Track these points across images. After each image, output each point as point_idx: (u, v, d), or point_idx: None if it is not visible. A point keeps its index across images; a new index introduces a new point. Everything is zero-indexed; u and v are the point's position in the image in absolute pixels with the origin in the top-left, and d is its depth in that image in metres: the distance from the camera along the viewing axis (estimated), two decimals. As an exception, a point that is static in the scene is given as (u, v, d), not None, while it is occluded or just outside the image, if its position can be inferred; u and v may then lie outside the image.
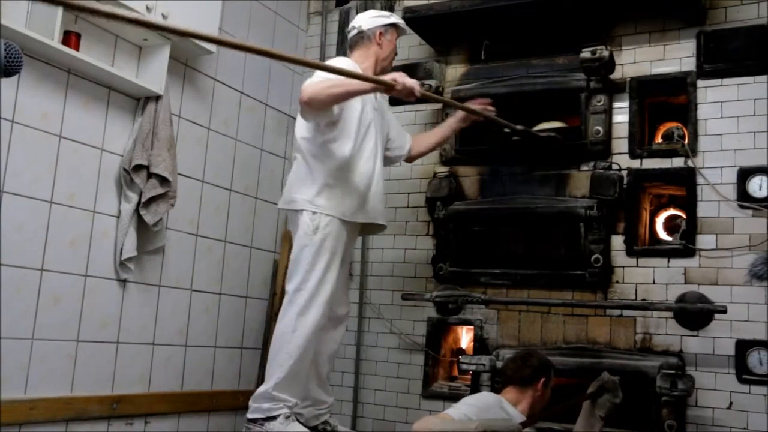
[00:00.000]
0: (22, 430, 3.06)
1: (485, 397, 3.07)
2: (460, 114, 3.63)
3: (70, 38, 3.24)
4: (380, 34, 3.41)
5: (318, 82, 3.03)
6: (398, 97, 3.08)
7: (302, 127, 3.24)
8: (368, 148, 3.26)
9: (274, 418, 3.03)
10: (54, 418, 3.19)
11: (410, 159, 3.73)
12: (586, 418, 3.12)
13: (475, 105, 3.59)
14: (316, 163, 3.18)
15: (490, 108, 3.61)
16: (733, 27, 3.53)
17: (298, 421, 3.12)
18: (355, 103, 3.21)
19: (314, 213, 3.13)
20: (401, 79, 2.99)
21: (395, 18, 3.51)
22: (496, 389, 3.32)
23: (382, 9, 4.35)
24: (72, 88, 3.33)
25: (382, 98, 3.51)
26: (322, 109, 3.04)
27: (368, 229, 3.40)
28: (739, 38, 3.49)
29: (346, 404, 4.08)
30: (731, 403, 3.26)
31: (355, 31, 3.44)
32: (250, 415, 3.10)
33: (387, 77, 3.04)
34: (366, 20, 3.44)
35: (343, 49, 4.53)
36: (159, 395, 3.69)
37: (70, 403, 3.26)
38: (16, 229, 3.09)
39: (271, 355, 3.13)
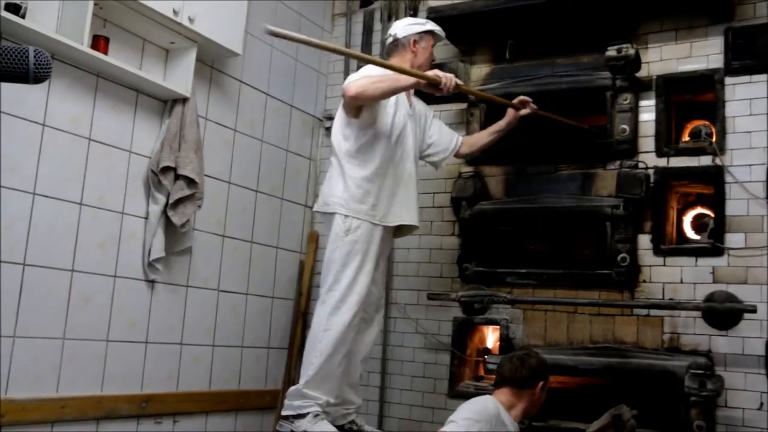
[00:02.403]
0: (54, 429, 3.12)
1: (485, 405, 2.90)
2: (511, 112, 3.64)
3: (99, 42, 3.28)
4: (414, 41, 3.43)
5: (362, 78, 3.12)
6: (441, 94, 3.21)
7: (338, 131, 3.30)
8: (400, 152, 3.30)
9: (303, 415, 3.07)
10: (85, 417, 3.24)
11: (460, 155, 3.76)
12: None
13: (516, 101, 3.61)
14: (350, 166, 3.23)
15: (532, 105, 3.62)
16: (761, 23, 3.48)
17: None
18: (388, 109, 3.26)
19: (346, 216, 3.18)
20: (442, 73, 3.11)
21: (431, 25, 3.52)
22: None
23: (406, 9, 4.37)
24: (101, 92, 3.38)
25: (420, 103, 3.52)
26: (368, 105, 3.14)
27: (401, 230, 3.43)
28: (767, 34, 3.44)
29: (372, 404, 4.09)
30: (762, 404, 3.22)
31: (390, 39, 3.48)
32: (283, 412, 3.16)
33: (429, 73, 3.15)
34: (401, 28, 3.47)
35: (367, 50, 4.55)
36: (187, 394, 3.73)
37: (100, 402, 3.31)
38: (46, 230, 3.14)
39: (305, 354, 3.20)
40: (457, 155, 3.72)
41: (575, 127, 3.73)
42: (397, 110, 3.30)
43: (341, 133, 3.28)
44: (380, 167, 3.22)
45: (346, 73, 4.32)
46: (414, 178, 3.37)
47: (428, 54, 3.47)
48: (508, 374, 3.00)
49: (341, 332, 3.10)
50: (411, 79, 3.13)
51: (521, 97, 3.61)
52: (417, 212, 3.41)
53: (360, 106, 3.17)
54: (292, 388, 3.17)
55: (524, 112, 3.60)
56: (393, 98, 3.27)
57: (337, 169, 3.28)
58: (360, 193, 3.20)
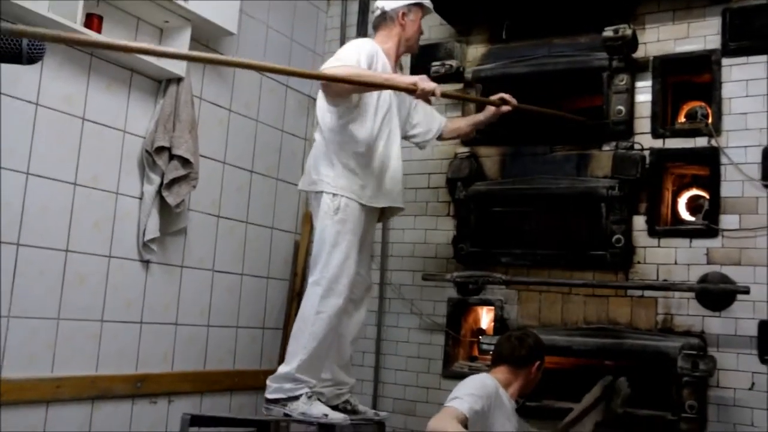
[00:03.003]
0: (48, 408, 3.13)
1: (484, 383, 2.89)
2: (491, 109, 3.59)
3: (92, 21, 3.26)
4: (403, 14, 3.38)
5: (339, 67, 3.04)
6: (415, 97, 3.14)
7: (324, 108, 3.23)
8: (387, 131, 3.25)
9: (296, 398, 3.04)
10: (80, 396, 3.25)
11: (442, 138, 3.71)
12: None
13: (496, 98, 3.54)
14: (337, 144, 3.18)
15: (513, 102, 3.55)
16: (759, 4, 3.46)
17: (319, 400, 3.13)
18: None
19: (334, 195, 3.14)
20: (422, 84, 3.02)
21: None
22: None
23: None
24: (94, 71, 3.36)
25: None
26: (341, 95, 3.08)
27: (387, 212, 3.41)
28: (765, 15, 3.42)
29: (366, 384, 4.11)
30: (753, 384, 3.24)
31: (378, 12, 3.41)
32: (270, 396, 3.10)
33: (407, 81, 3.07)
34: (389, 0, 3.41)
35: (363, 30, 4.51)
36: (182, 374, 3.74)
37: (95, 382, 3.32)
38: (40, 210, 3.13)
39: (294, 336, 3.14)
40: (439, 138, 3.67)
41: (562, 117, 3.73)
42: (382, 91, 3.22)
43: (327, 108, 3.20)
44: (367, 146, 3.17)
45: (342, 53, 4.29)
46: (400, 158, 3.33)
47: (417, 27, 3.42)
48: (506, 353, 3.02)
49: (333, 315, 3.07)
50: (385, 77, 3.07)
51: (501, 95, 3.54)
52: (402, 194, 3.37)
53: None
54: (281, 371, 3.10)
55: (505, 109, 3.54)
56: None
57: (323, 146, 3.23)
58: (347, 172, 3.16)
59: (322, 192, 3.17)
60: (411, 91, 3.05)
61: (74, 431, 3.23)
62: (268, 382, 3.13)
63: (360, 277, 3.29)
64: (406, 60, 4.29)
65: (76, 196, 3.28)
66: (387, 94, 3.26)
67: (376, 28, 3.45)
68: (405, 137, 3.53)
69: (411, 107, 3.52)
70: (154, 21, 3.60)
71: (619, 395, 3.13)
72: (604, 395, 3.15)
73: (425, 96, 3.07)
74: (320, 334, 3.06)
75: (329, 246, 3.10)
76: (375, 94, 3.21)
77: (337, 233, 3.11)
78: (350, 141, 3.16)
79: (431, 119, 3.60)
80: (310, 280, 3.16)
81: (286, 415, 3.03)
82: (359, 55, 3.13)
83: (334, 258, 3.09)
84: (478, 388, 2.82)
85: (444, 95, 3.26)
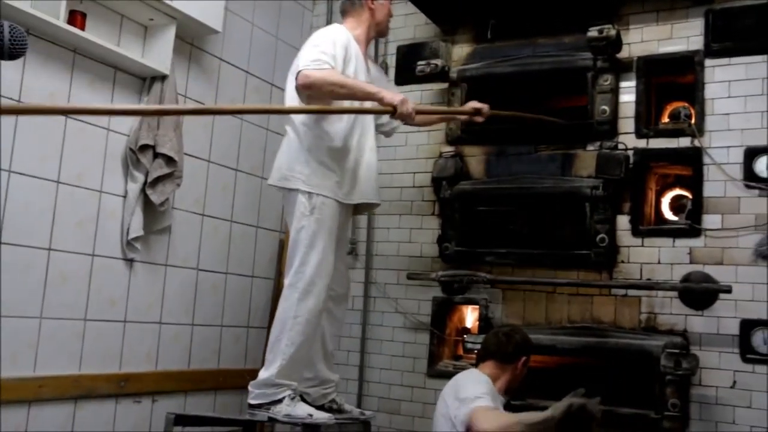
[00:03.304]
0: (31, 408, 3.10)
1: (485, 380, 2.93)
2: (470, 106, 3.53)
3: (76, 18, 3.23)
4: None
5: (323, 71, 2.97)
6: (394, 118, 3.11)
7: (295, 101, 3.11)
8: (360, 124, 3.18)
9: (279, 401, 2.97)
10: (62, 396, 3.23)
11: (410, 124, 3.63)
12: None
13: (472, 105, 3.45)
14: (309, 138, 3.08)
15: (485, 111, 3.44)
16: (742, 5, 3.49)
17: (304, 400, 3.12)
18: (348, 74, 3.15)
19: (310, 194, 3.05)
20: (401, 107, 2.98)
21: None
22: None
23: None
24: (78, 68, 3.33)
25: (377, 71, 3.46)
26: (319, 99, 3.03)
27: (362, 207, 3.34)
28: (748, 16, 3.45)
29: (351, 383, 4.11)
30: (735, 382, 3.27)
31: None
32: (253, 401, 3.03)
33: (389, 100, 3.00)
34: None
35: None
36: (166, 373, 3.72)
37: (78, 381, 3.30)
38: (23, 209, 3.10)
39: (273, 340, 3.05)
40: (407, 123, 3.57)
41: (543, 121, 3.73)
42: (356, 78, 3.14)
43: (297, 102, 3.09)
44: (342, 140, 3.09)
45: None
46: (375, 152, 3.26)
47: (386, 10, 3.34)
48: (494, 348, 3.05)
49: (311, 317, 3.01)
50: (367, 97, 3.03)
51: (473, 104, 3.42)
52: (378, 188, 3.31)
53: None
54: (261, 377, 3.02)
55: (477, 119, 3.43)
56: (352, 66, 3.13)
57: (295, 141, 3.11)
58: (323, 169, 3.07)
59: (296, 190, 3.07)
60: (389, 113, 3.03)
61: (57, 431, 3.20)
62: (249, 387, 3.07)
63: (339, 273, 3.24)
64: (392, 60, 4.30)
65: (59, 195, 3.26)
66: None
67: (344, 13, 3.34)
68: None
69: None
70: (139, 19, 3.58)
71: (591, 418, 2.95)
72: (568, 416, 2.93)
73: (402, 119, 3.06)
74: (298, 339, 2.99)
75: (305, 247, 3.02)
76: None
77: (313, 234, 3.02)
78: (325, 135, 3.07)
79: None
80: (286, 282, 3.07)
81: (270, 418, 2.98)
82: (335, 47, 3.05)
83: (310, 260, 3.01)
84: (488, 387, 2.87)
85: (418, 112, 3.19)
